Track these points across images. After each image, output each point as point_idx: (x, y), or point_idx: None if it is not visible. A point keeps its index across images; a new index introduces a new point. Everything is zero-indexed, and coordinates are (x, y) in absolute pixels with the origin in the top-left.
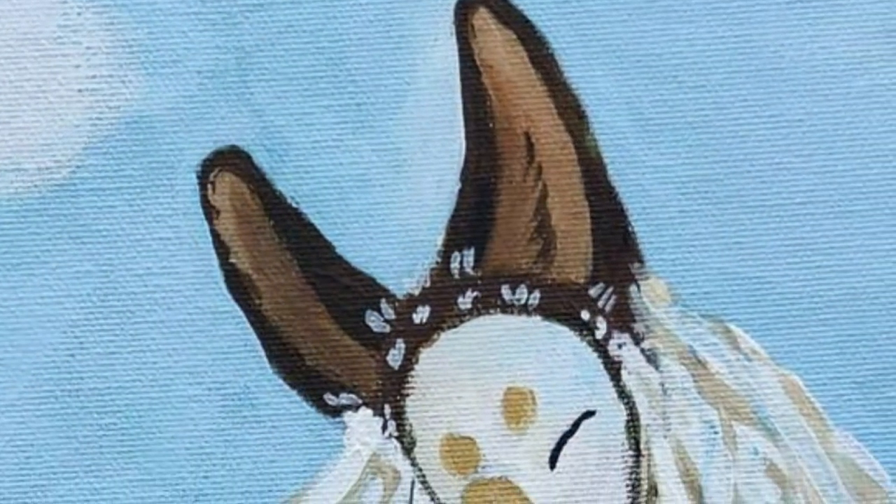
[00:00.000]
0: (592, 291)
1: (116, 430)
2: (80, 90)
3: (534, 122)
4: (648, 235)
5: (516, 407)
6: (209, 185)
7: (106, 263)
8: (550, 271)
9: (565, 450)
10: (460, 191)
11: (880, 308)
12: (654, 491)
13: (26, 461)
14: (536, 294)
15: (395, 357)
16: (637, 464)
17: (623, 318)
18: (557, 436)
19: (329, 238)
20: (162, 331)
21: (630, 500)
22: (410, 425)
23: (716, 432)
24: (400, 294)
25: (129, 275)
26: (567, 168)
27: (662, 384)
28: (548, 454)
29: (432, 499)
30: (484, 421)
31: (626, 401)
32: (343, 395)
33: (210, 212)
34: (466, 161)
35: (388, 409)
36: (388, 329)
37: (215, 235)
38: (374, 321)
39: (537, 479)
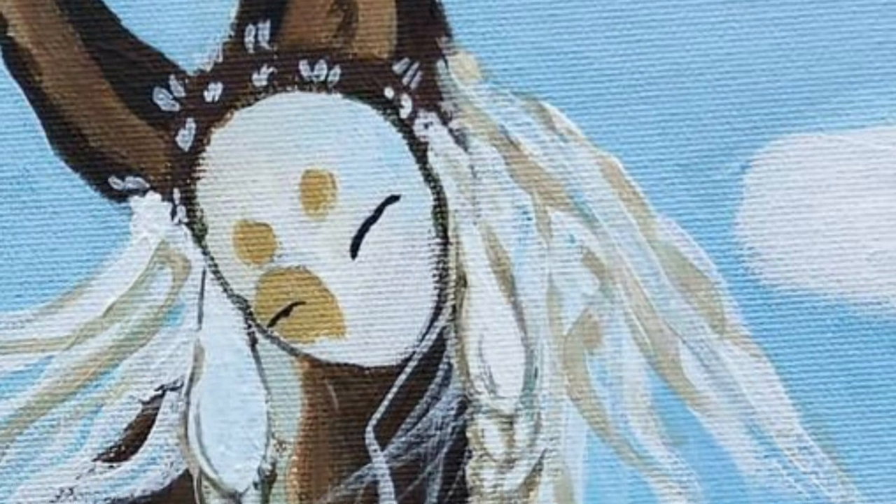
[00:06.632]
0: (397, 67)
1: None
2: None
3: None
4: (456, 7)
5: (315, 191)
6: None
7: None
8: (352, 46)
9: (367, 237)
10: None
11: (705, 85)
12: (462, 281)
13: None
14: (337, 70)
15: (184, 138)
16: (445, 252)
17: (430, 95)
18: (359, 222)
19: (114, 10)
20: None
21: (437, 290)
22: (202, 211)
23: (529, 218)
24: (190, 70)
25: None
26: None
27: (472, 167)
28: (349, 242)
29: (225, 290)
30: (280, 206)
31: (432, 184)
32: (129, 178)
33: None
34: None
35: (177, 194)
36: (177, 107)
37: None
38: (163, 99)
39: (337, 268)
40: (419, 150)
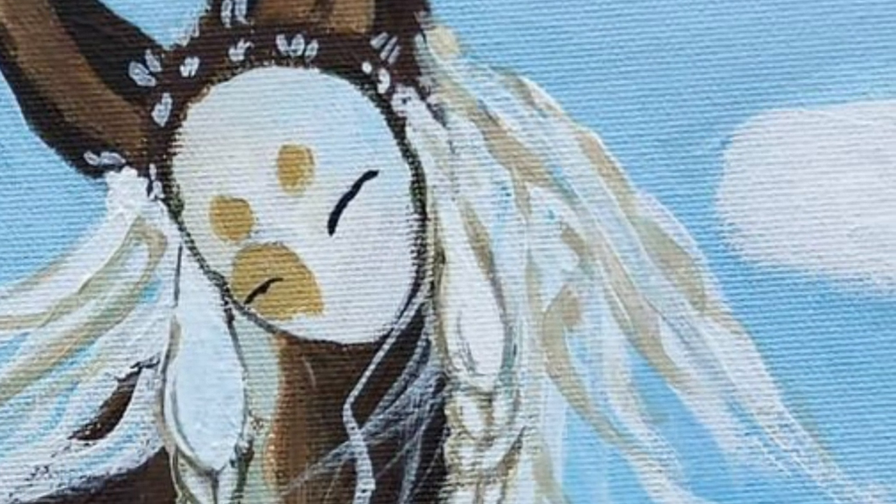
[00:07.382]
0: (375, 42)
1: None
2: None
3: None
4: None
5: (292, 166)
6: None
7: None
8: (329, 20)
9: (345, 213)
10: None
11: (685, 59)
12: (441, 257)
13: None
14: (314, 44)
15: (161, 113)
16: (423, 228)
17: (408, 70)
18: (337, 198)
19: None
20: None
21: (415, 266)
22: (178, 186)
23: (508, 194)
24: (166, 45)
25: None
26: None
27: (450, 142)
28: (326, 218)
29: (201, 266)
30: (257, 182)
31: (411, 160)
32: (105, 153)
33: None
34: None
35: (153, 169)
36: (153, 82)
37: None
38: (139, 74)
39: (315, 244)
40: (397, 125)
